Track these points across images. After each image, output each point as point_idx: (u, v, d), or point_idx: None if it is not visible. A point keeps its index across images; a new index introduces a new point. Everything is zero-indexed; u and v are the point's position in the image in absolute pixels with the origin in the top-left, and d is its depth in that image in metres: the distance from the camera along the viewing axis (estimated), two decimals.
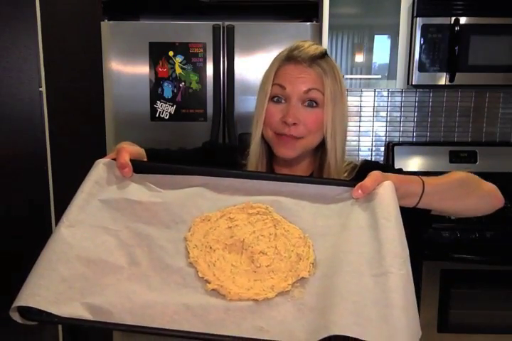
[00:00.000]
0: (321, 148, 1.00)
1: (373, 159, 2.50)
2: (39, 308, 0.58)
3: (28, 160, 1.90)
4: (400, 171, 1.00)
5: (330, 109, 0.94)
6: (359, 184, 0.73)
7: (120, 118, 1.88)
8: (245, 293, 0.64)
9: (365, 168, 0.98)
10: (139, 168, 0.75)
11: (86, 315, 0.60)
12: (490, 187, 0.96)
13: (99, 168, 0.75)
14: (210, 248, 0.69)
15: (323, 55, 0.95)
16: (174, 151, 1.14)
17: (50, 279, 0.61)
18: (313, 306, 0.62)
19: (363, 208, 0.71)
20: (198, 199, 0.75)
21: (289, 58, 0.95)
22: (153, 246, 0.69)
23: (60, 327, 2.10)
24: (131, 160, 0.75)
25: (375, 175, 0.74)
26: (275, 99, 0.95)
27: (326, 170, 0.98)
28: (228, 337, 0.60)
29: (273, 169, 1.03)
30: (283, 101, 0.95)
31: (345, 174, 1.00)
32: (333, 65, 0.96)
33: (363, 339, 0.55)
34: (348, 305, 0.59)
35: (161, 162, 0.80)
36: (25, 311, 0.58)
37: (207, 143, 1.41)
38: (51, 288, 0.60)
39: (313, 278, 0.66)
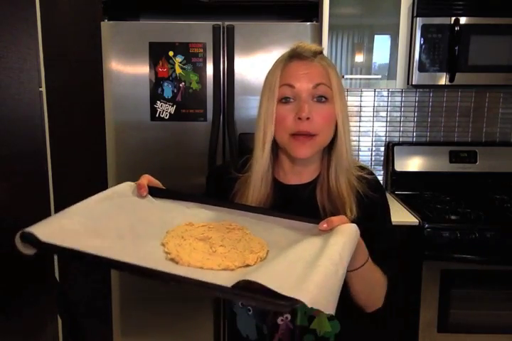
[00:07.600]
0: (327, 149, 1.00)
1: (373, 159, 2.51)
2: (37, 237, 0.73)
3: (28, 160, 1.89)
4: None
5: (339, 101, 0.95)
6: (326, 219, 0.81)
7: (120, 118, 1.89)
8: (195, 263, 0.75)
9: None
10: (153, 191, 0.95)
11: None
12: (382, 294, 0.99)
13: (124, 185, 0.94)
14: (182, 237, 0.84)
15: (321, 52, 0.97)
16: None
17: (53, 226, 0.78)
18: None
19: (319, 235, 0.82)
20: (187, 211, 0.93)
21: (293, 56, 0.96)
22: (140, 232, 0.85)
23: (59, 328, 2.10)
24: (148, 186, 0.92)
25: (343, 217, 0.82)
26: (283, 100, 0.94)
27: (333, 164, 0.98)
28: (161, 272, 0.68)
29: (276, 176, 1.03)
30: (292, 100, 0.94)
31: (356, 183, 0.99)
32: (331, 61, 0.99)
33: (272, 288, 0.62)
34: (269, 269, 0.69)
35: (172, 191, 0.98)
36: (26, 238, 0.74)
37: (211, 171, 1.48)
38: (49, 229, 0.76)
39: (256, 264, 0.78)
